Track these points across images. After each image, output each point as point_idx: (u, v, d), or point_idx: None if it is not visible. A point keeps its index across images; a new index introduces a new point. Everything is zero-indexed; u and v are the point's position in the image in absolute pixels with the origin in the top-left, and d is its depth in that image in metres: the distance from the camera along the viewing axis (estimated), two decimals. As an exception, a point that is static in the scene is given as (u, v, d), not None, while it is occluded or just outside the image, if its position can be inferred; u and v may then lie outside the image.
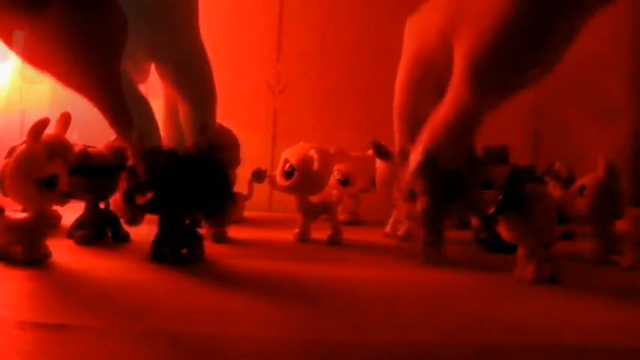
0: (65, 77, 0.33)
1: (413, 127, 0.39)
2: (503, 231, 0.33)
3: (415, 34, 0.39)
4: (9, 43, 0.31)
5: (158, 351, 0.20)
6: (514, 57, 0.32)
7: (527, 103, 0.68)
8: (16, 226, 0.31)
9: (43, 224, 0.32)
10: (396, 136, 0.41)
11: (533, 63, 0.32)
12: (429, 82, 0.38)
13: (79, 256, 0.35)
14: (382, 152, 0.46)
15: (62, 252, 0.33)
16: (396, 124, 0.40)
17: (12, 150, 0.40)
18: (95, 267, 0.32)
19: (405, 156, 0.38)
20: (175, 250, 0.33)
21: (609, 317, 0.28)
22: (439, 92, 0.36)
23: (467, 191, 0.36)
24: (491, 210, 0.32)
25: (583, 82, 0.70)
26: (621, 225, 0.39)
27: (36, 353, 0.19)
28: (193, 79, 0.38)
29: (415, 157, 0.37)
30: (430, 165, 0.36)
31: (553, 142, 0.72)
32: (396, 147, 0.41)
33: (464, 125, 0.34)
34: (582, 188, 0.42)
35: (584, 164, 0.45)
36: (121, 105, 0.33)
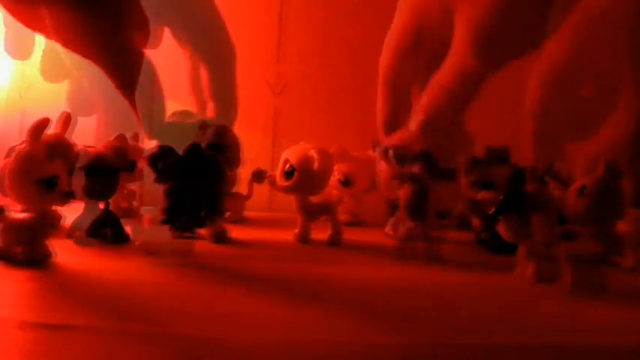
0: (76, 44, 0.34)
1: (400, 94, 0.39)
2: (503, 231, 0.33)
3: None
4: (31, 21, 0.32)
5: (159, 351, 0.20)
6: (514, 24, 0.33)
7: (529, 104, 0.68)
8: (17, 227, 0.31)
9: (44, 224, 0.32)
10: (380, 105, 0.40)
11: (532, 31, 0.33)
12: (423, 46, 0.38)
13: (79, 257, 0.35)
14: (383, 151, 0.45)
15: (63, 252, 0.33)
16: (383, 90, 0.40)
17: (12, 150, 0.40)
18: (95, 267, 0.32)
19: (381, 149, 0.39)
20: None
21: (610, 318, 0.28)
22: (432, 57, 0.37)
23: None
24: (492, 210, 0.32)
25: (585, 83, 0.70)
26: (622, 226, 0.39)
27: (37, 353, 0.20)
28: (209, 41, 0.39)
29: (417, 118, 0.37)
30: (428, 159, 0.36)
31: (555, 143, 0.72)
32: (378, 117, 0.41)
33: (465, 89, 0.35)
34: (583, 188, 0.42)
35: (585, 166, 0.45)
36: (125, 68, 0.33)
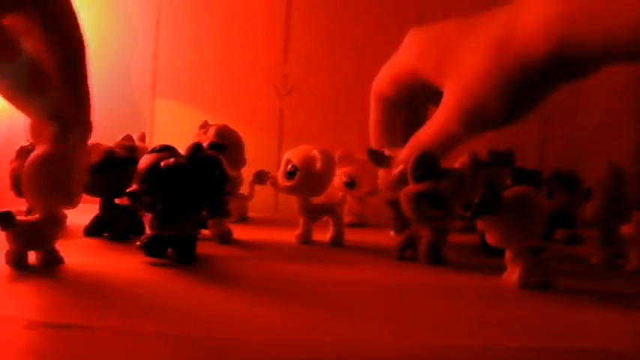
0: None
1: (392, 112, 0.44)
2: (487, 235, 0.33)
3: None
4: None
5: (163, 352, 0.20)
6: (502, 100, 0.36)
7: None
8: (30, 230, 0.31)
9: (55, 226, 0.31)
10: (373, 118, 0.45)
11: (519, 107, 0.37)
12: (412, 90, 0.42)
13: (85, 257, 0.35)
14: (378, 158, 0.45)
15: (69, 253, 0.33)
16: (375, 105, 0.45)
17: (21, 150, 0.41)
18: (101, 268, 0.33)
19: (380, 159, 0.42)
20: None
21: (614, 321, 0.27)
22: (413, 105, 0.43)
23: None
24: (469, 213, 0.32)
25: (588, 85, 0.69)
26: (626, 229, 0.39)
27: (45, 352, 0.20)
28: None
29: (396, 169, 0.40)
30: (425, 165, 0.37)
31: (559, 146, 0.72)
32: (371, 128, 0.45)
33: (443, 148, 0.39)
34: (588, 192, 0.41)
35: (589, 168, 0.45)
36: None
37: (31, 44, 0.30)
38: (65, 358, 0.19)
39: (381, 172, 0.43)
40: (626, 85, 0.72)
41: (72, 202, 0.31)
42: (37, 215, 0.31)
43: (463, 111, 0.37)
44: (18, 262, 0.30)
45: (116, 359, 0.20)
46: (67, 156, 0.31)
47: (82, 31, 0.32)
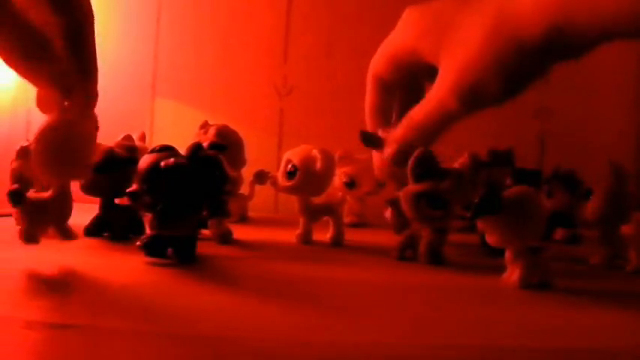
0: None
1: (387, 94, 0.42)
2: (487, 235, 0.33)
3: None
4: None
5: (163, 352, 0.20)
6: (498, 78, 0.35)
7: (533, 106, 0.68)
8: (44, 206, 0.31)
9: (69, 201, 0.31)
10: (368, 100, 0.44)
11: (515, 84, 0.36)
12: (410, 68, 0.41)
13: (85, 257, 0.35)
14: (369, 139, 0.42)
15: (69, 253, 0.33)
16: (372, 87, 0.43)
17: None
18: (101, 268, 0.33)
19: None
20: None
21: (614, 321, 0.27)
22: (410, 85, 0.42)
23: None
24: (469, 214, 0.32)
25: (588, 85, 0.70)
26: (626, 229, 0.39)
27: (45, 352, 0.20)
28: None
29: (390, 148, 0.39)
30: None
31: (559, 145, 0.72)
32: (367, 109, 0.43)
33: (439, 126, 0.38)
34: (589, 192, 0.41)
35: (589, 168, 0.45)
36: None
37: (37, 13, 0.30)
38: (65, 358, 0.19)
39: (375, 155, 0.42)
40: (626, 84, 0.72)
41: (82, 174, 0.31)
42: (48, 192, 0.31)
43: (460, 88, 0.36)
44: (30, 238, 0.30)
45: (116, 359, 0.20)
46: (74, 126, 0.30)
47: (88, 1, 0.32)
